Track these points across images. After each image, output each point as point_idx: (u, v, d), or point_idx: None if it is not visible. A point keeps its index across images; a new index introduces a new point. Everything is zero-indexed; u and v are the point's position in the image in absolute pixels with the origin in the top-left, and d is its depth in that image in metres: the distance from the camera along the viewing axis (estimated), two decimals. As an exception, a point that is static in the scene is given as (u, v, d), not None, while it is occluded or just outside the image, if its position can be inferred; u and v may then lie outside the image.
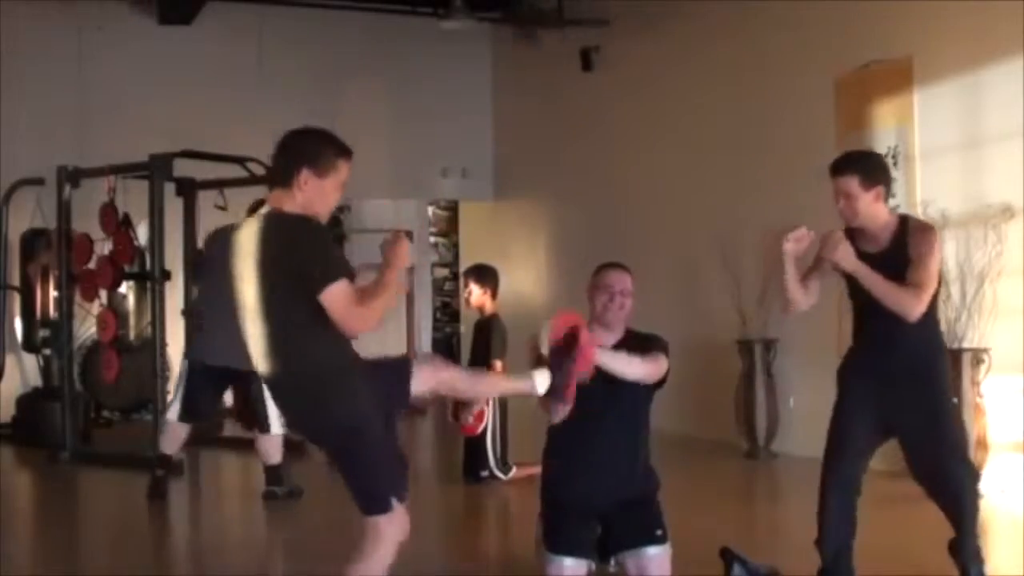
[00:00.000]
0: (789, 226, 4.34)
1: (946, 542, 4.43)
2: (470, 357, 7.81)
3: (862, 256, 4.31)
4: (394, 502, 3.64)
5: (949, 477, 4.36)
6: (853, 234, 4.39)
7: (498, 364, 7.48)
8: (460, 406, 7.59)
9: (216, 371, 6.98)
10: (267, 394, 6.87)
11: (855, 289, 4.35)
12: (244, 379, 7.10)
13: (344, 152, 3.62)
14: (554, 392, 3.95)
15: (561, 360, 3.95)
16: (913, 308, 4.21)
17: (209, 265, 7.48)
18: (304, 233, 3.54)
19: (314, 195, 3.56)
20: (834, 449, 4.43)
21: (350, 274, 3.56)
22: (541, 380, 3.93)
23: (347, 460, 3.66)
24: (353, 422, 3.59)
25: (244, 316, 3.67)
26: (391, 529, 3.64)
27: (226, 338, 6.82)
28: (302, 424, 3.84)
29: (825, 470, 4.43)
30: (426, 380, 3.76)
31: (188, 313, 9.82)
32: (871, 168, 4.40)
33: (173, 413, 7.20)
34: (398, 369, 3.79)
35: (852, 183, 4.30)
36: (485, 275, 7.67)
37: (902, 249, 4.29)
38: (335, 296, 3.44)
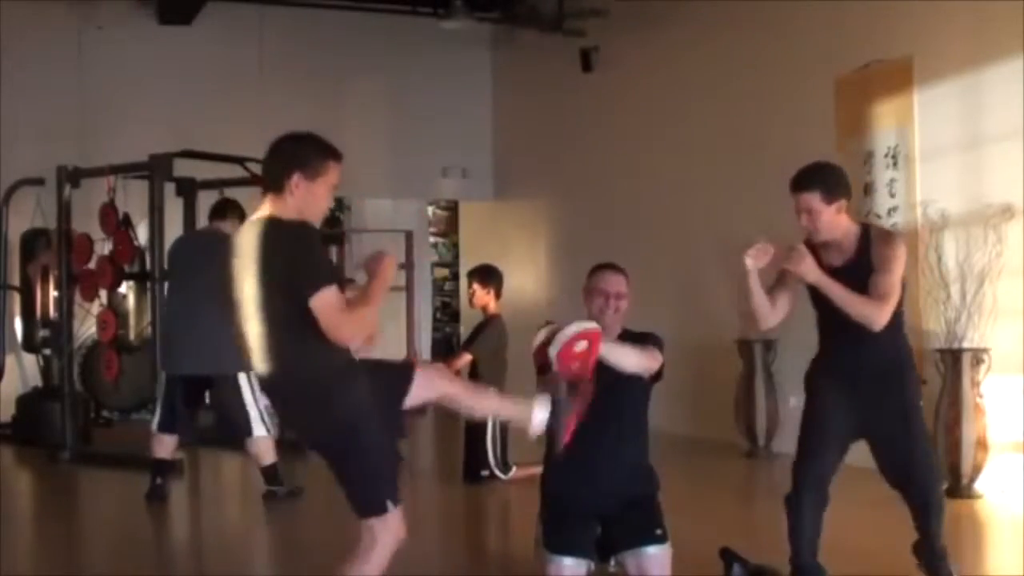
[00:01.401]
0: (751, 242, 4.33)
1: (910, 545, 4.46)
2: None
3: (826, 269, 4.29)
4: (390, 505, 3.63)
5: (918, 478, 4.37)
6: (815, 247, 4.37)
7: (465, 356, 7.61)
8: None
9: (189, 381, 7.02)
10: (245, 396, 6.92)
11: (818, 298, 4.34)
12: (214, 385, 7.13)
13: (333, 155, 3.65)
14: (551, 437, 3.93)
15: (560, 408, 3.90)
16: (877, 318, 4.20)
17: (174, 274, 7.50)
18: (298, 240, 3.56)
19: (305, 199, 3.60)
20: (806, 454, 4.44)
21: (340, 282, 3.59)
22: (539, 416, 3.88)
23: (344, 461, 3.66)
24: (350, 422, 3.59)
25: (243, 316, 3.67)
26: (387, 533, 3.63)
27: (193, 345, 6.91)
28: (300, 425, 3.83)
29: (797, 476, 4.43)
30: (427, 389, 3.76)
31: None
32: (832, 182, 4.35)
33: (154, 424, 7.26)
34: (400, 373, 3.80)
35: (814, 199, 4.27)
36: (489, 276, 7.72)
37: (866, 259, 4.28)
38: (323, 302, 3.46)
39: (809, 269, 4.20)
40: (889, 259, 4.24)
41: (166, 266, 7.90)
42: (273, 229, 3.59)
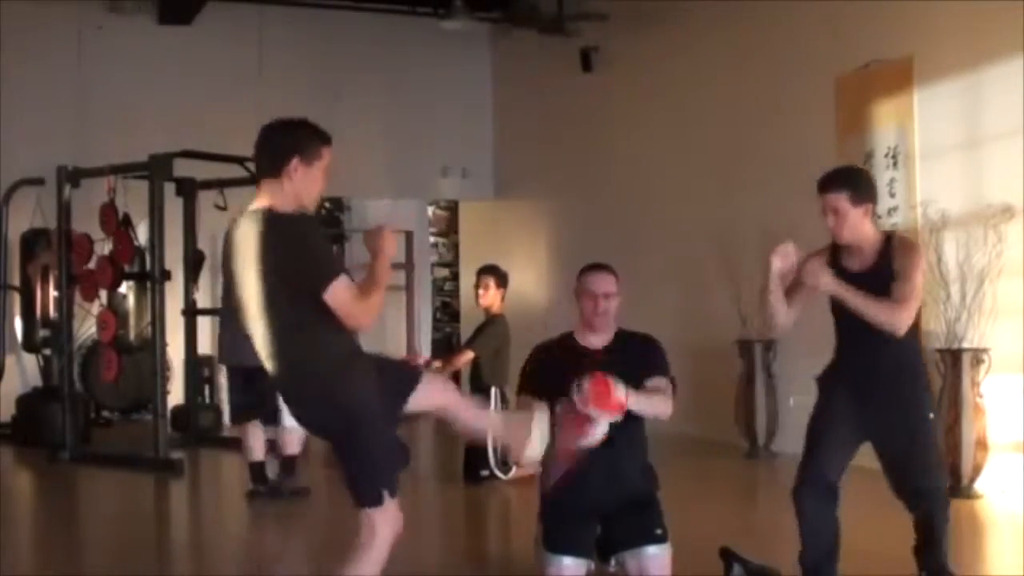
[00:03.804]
0: (778, 241, 4.33)
1: (911, 548, 4.45)
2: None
3: (846, 274, 4.29)
4: (387, 496, 3.63)
5: (921, 497, 4.38)
6: (837, 250, 4.39)
7: (468, 354, 7.68)
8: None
9: (246, 369, 6.99)
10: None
11: (836, 302, 4.33)
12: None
13: (326, 139, 3.73)
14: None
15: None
16: (898, 322, 4.20)
17: (227, 268, 7.50)
18: (303, 232, 3.61)
19: (303, 183, 3.65)
20: (810, 457, 4.42)
21: (345, 269, 3.64)
22: (533, 449, 3.94)
23: (347, 448, 3.66)
24: (355, 409, 3.61)
25: (246, 317, 3.70)
26: (385, 524, 3.63)
27: (239, 337, 6.89)
28: (307, 414, 3.81)
29: (799, 478, 4.41)
30: (430, 398, 3.79)
31: (189, 312, 9.85)
32: (860, 185, 4.37)
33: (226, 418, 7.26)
34: (407, 375, 3.82)
35: (841, 199, 4.27)
36: (503, 276, 7.78)
37: (887, 266, 4.28)
38: (338, 292, 3.52)
39: (827, 282, 4.21)
40: (909, 267, 4.24)
41: (220, 261, 7.92)
42: (274, 223, 3.60)
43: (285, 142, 3.66)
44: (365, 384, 3.64)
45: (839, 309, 4.35)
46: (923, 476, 4.38)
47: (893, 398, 4.34)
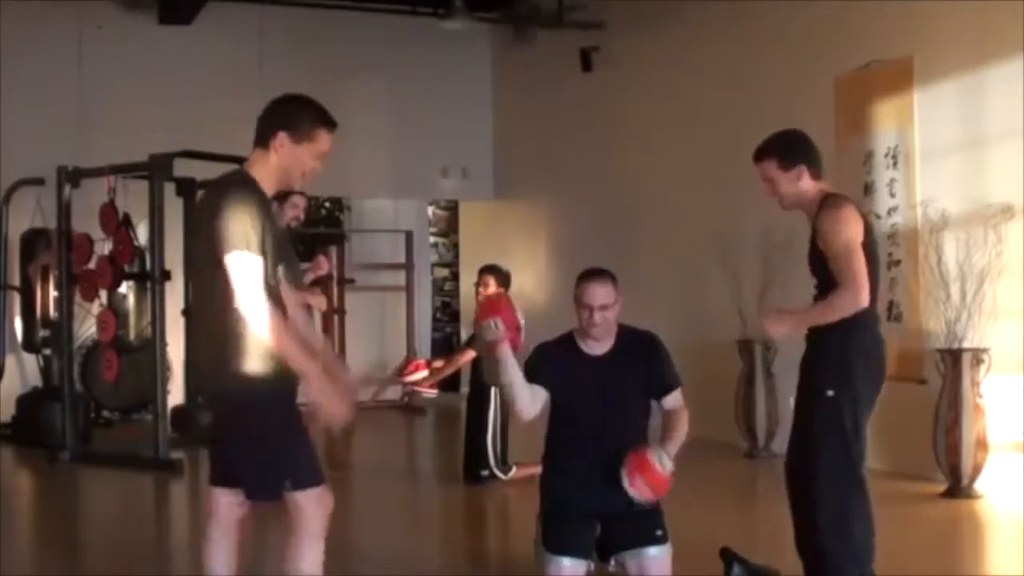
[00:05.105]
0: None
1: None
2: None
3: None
4: (321, 479, 3.65)
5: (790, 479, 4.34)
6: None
7: (468, 353, 7.75)
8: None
9: None
10: None
11: (818, 284, 4.30)
12: None
13: (325, 122, 3.60)
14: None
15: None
16: (851, 305, 4.07)
17: None
18: (228, 195, 3.47)
19: (288, 159, 3.56)
20: (860, 448, 4.39)
21: (263, 252, 3.43)
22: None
23: (282, 428, 3.56)
24: (274, 397, 3.51)
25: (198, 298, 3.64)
26: (319, 503, 3.66)
27: None
28: (222, 396, 3.59)
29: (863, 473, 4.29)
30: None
31: (189, 312, 9.83)
32: (788, 149, 4.31)
33: None
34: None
35: (770, 167, 4.27)
36: (506, 276, 7.77)
37: (815, 230, 4.19)
38: (236, 264, 3.37)
39: (781, 327, 4.30)
40: (829, 237, 4.08)
41: None
42: (216, 186, 3.58)
43: (277, 114, 3.59)
44: (288, 397, 3.57)
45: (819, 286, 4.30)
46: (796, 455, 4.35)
47: (803, 368, 4.45)
